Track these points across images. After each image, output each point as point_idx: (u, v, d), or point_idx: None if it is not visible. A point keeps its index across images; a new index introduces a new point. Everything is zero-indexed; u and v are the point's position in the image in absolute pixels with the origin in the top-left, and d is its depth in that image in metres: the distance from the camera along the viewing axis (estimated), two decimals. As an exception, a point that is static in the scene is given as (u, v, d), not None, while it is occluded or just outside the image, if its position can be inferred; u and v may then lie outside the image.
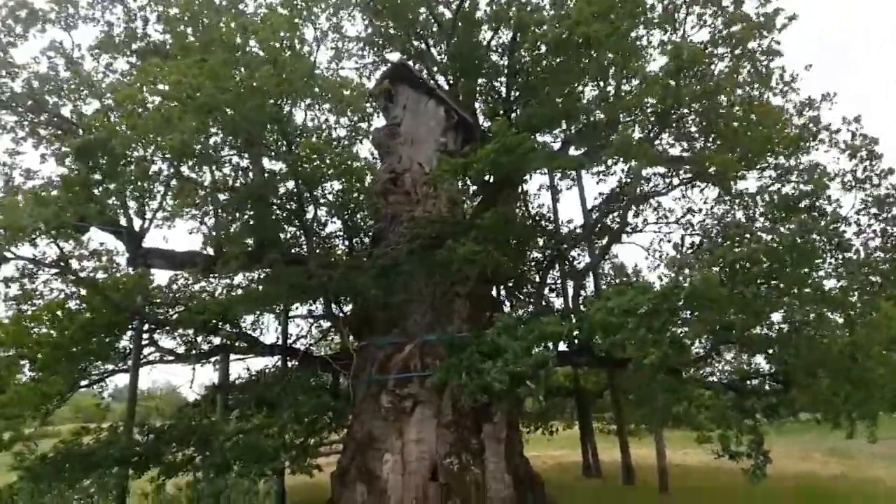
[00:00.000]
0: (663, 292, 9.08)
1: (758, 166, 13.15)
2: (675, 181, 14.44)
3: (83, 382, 12.66)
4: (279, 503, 14.32)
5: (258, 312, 12.02)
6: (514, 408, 11.32)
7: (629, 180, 14.53)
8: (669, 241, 16.66)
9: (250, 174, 12.12)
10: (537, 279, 15.07)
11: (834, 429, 11.42)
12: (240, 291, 12.41)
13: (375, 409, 12.40)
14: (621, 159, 13.87)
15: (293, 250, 13.08)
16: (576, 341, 11.80)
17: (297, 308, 17.00)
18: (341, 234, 15.30)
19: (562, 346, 11.89)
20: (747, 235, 14.55)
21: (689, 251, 15.64)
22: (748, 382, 13.88)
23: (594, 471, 17.65)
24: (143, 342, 13.24)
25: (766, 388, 12.82)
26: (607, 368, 15.27)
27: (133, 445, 10.36)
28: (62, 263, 9.74)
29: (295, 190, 11.69)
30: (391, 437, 12.02)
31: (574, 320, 9.81)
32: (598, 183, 15.93)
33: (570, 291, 15.24)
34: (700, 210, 15.47)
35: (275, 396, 12.00)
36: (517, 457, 12.66)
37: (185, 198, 12.81)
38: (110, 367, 12.81)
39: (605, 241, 14.63)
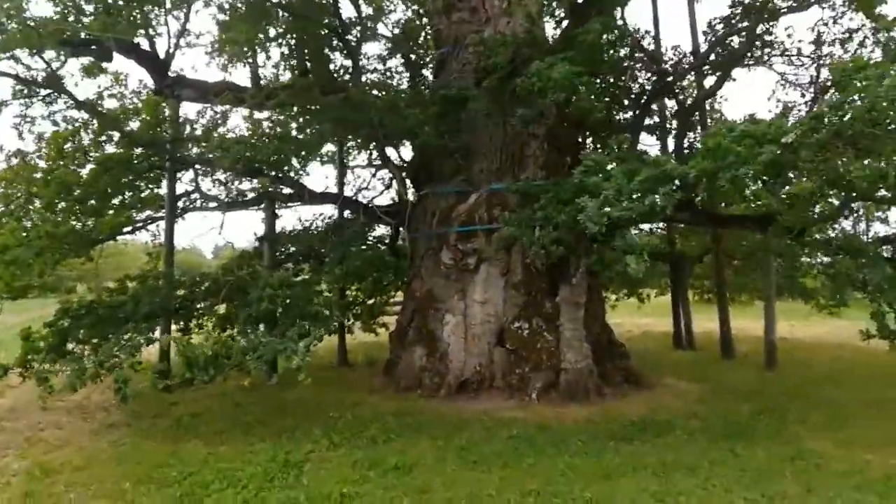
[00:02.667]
0: (815, 116, 6.54)
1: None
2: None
3: (126, 229, 11.82)
4: (340, 361, 13.61)
5: (303, 155, 10.40)
6: (596, 267, 9.45)
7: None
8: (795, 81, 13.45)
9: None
10: (630, 119, 12.49)
11: None
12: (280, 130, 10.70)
13: (436, 266, 10.88)
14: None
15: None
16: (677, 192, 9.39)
17: (353, 157, 15.49)
18: (402, 69, 13.11)
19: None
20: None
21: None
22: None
23: (687, 343, 15.83)
24: (189, 188, 12.13)
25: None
26: (713, 227, 12.87)
27: (166, 298, 9.39)
28: (55, 83, 8.30)
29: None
30: (453, 297, 10.57)
31: (686, 162, 7.46)
32: None
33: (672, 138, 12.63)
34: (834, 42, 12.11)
35: (325, 249, 10.64)
36: (598, 324, 10.96)
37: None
38: (149, 213, 11.86)
39: (719, 73, 11.61)
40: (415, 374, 10.59)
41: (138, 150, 9.70)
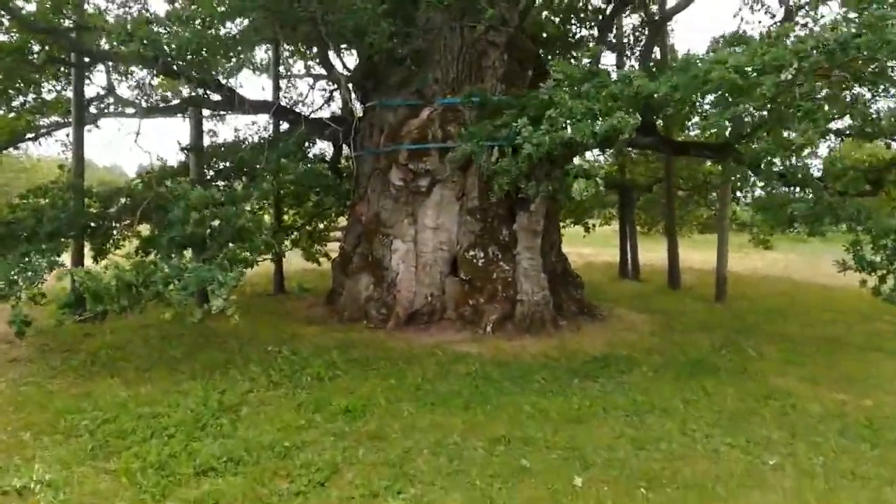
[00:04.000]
0: (817, 45, 5.87)
1: None
2: None
3: (28, 136, 10.21)
4: (276, 289, 12.68)
5: (233, 55, 9.02)
6: (555, 194, 8.81)
7: None
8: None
9: None
10: (595, 33, 11.60)
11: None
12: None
13: (384, 187, 9.96)
14: None
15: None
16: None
17: (289, 67, 14.01)
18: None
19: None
20: None
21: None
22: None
23: (632, 273, 15.72)
24: (102, 91, 10.54)
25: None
26: (671, 154, 12.39)
27: (74, 215, 8.12)
28: None
29: None
30: (403, 222, 9.75)
31: (666, 77, 6.72)
32: None
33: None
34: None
35: (258, 163, 9.48)
36: (554, 254, 10.45)
37: None
38: (55, 119, 10.26)
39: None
40: (360, 305, 9.86)
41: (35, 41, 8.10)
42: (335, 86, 13.80)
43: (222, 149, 10.69)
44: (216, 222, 8.07)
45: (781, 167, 11.79)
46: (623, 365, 7.47)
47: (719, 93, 6.49)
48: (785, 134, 10.51)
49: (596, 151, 15.02)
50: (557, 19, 13.82)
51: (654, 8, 11.97)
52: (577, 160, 6.71)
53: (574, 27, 13.82)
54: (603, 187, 6.59)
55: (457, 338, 8.88)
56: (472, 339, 8.80)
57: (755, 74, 5.86)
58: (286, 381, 6.67)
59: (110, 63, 9.33)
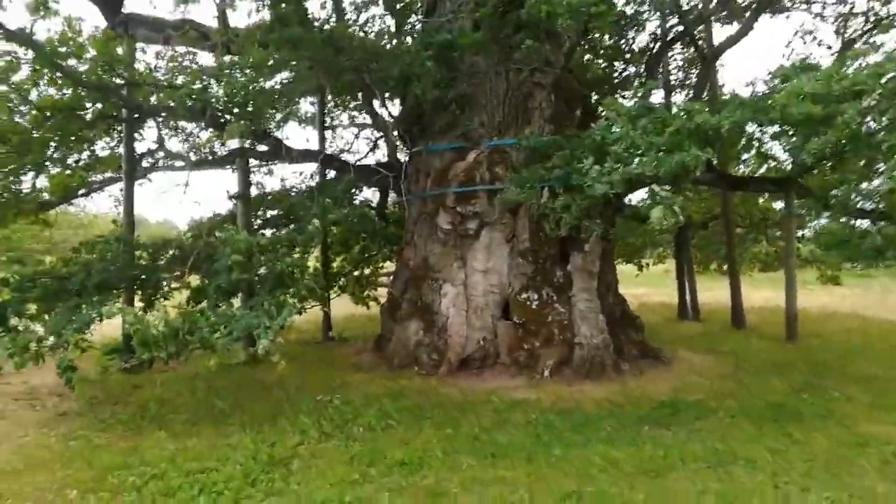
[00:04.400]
0: None
1: None
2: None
3: (80, 192, 10.46)
4: (324, 336, 12.50)
5: (279, 105, 9.12)
6: (610, 233, 8.45)
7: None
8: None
9: None
10: (642, 69, 11.37)
11: None
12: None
13: (431, 231, 9.78)
14: None
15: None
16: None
17: (334, 118, 14.20)
18: (384, 14, 11.76)
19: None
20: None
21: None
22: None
23: (692, 313, 15.01)
24: (152, 146, 10.77)
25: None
26: (730, 189, 11.85)
27: (124, 266, 8.14)
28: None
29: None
30: (451, 266, 9.49)
31: (730, 111, 6.38)
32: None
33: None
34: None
35: (304, 211, 9.44)
36: (611, 294, 9.99)
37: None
38: (108, 175, 10.50)
39: (745, 15, 10.44)
40: (409, 351, 9.55)
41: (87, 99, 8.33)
42: (381, 134, 13.92)
43: (269, 197, 10.72)
44: (263, 269, 8.02)
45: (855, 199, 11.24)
46: (695, 411, 6.91)
47: (788, 124, 6.08)
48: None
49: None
50: (602, 62, 13.72)
51: (701, 43, 11.70)
52: (655, 187, 6.34)
53: (619, 67, 13.68)
54: (682, 216, 6.19)
55: (512, 384, 8.45)
56: (529, 384, 8.36)
57: (833, 103, 5.48)
58: (338, 431, 6.37)
59: (160, 118, 9.53)
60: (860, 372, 8.81)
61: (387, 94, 10.05)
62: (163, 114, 8.82)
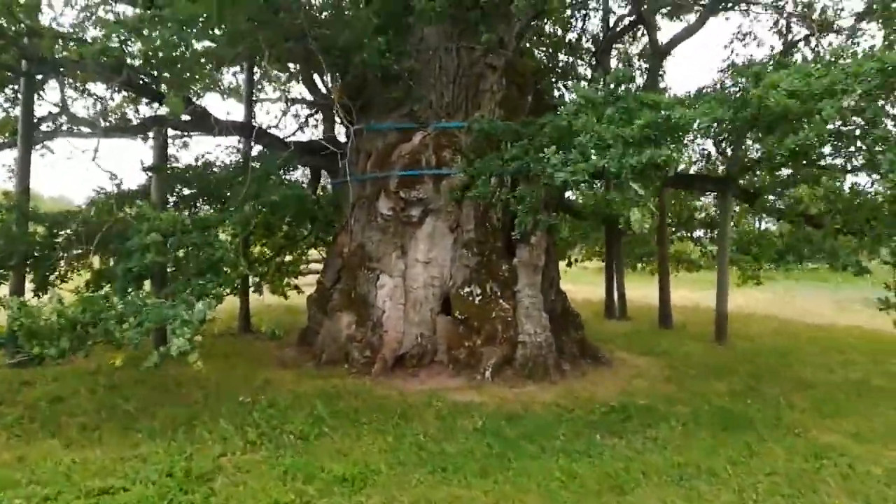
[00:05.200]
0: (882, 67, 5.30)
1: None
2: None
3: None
4: (242, 328, 11.55)
5: (207, 69, 8.14)
6: (556, 227, 8.09)
7: None
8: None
9: None
10: (589, 60, 11.09)
11: None
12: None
13: (371, 217, 9.10)
14: None
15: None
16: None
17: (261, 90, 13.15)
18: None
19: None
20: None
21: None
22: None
23: (619, 312, 15.06)
24: (55, 107, 9.43)
25: None
26: (672, 187, 11.83)
27: (15, 240, 6.97)
28: None
29: None
30: (391, 255, 8.86)
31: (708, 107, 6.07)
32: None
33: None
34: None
35: (231, 188, 8.52)
36: (554, 291, 9.67)
37: None
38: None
39: (695, 9, 10.27)
40: (340, 346, 8.85)
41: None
42: (312, 111, 13.00)
43: (188, 172, 9.64)
44: (181, 251, 7.10)
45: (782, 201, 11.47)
46: (646, 417, 6.65)
47: (765, 120, 5.85)
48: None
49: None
50: (545, 50, 13.40)
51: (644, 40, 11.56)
52: (635, 186, 5.95)
53: (562, 58, 13.40)
54: (654, 213, 5.84)
55: (452, 384, 7.95)
56: (470, 385, 7.88)
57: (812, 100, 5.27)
58: (265, 440, 5.64)
59: (65, 78, 8.29)
60: (797, 376, 8.90)
61: (332, 61, 9.24)
62: (70, 70, 7.59)
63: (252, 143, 10.35)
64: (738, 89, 6.08)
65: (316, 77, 9.92)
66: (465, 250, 8.74)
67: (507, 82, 9.24)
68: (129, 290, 6.57)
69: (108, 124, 9.38)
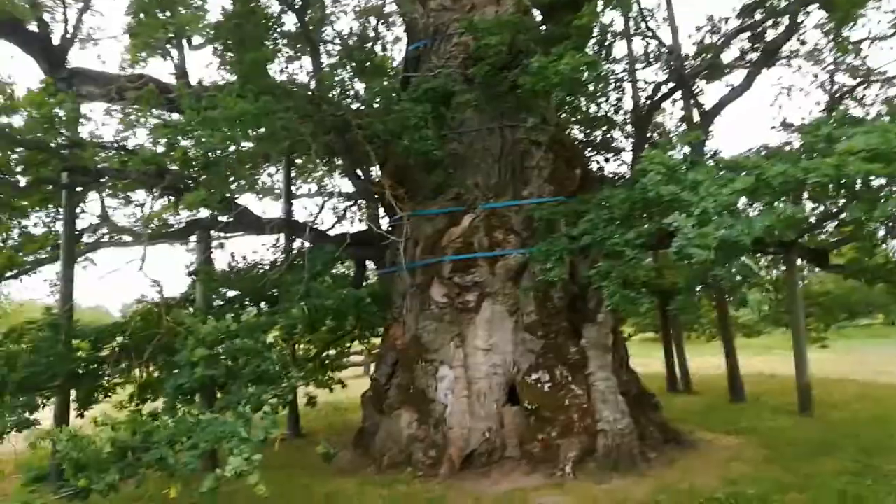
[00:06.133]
0: None
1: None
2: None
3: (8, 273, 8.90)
4: (292, 432, 10.94)
5: (247, 168, 8.02)
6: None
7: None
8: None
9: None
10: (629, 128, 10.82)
11: None
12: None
13: (424, 306, 8.64)
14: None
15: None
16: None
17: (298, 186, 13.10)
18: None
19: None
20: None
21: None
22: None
23: (683, 385, 14.13)
24: (97, 218, 9.37)
25: None
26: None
27: (59, 359, 6.61)
28: None
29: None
30: (449, 345, 8.32)
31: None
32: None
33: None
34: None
35: (278, 288, 8.16)
36: (625, 371, 8.98)
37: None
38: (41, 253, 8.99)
39: (726, 70, 10.11)
40: (402, 448, 8.19)
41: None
42: (349, 202, 12.85)
43: (232, 274, 9.36)
44: (230, 361, 6.66)
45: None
46: (765, 511, 5.83)
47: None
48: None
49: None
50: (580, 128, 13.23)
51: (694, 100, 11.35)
52: (748, 261, 5.46)
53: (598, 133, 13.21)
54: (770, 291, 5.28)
55: (530, 483, 7.21)
56: (550, 483, 7.12)
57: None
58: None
59: (106, 185, 8.22)
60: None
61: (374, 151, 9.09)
62: (111, 178, 7.49)
63: (292, 239, 10.11)
64: (809, 151, 5.65)
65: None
66: (528, 334, 8.19)
67: (553, 157, 8.97)
68: (179, 407, 6.13)
69: (150, 231, 9.21)
